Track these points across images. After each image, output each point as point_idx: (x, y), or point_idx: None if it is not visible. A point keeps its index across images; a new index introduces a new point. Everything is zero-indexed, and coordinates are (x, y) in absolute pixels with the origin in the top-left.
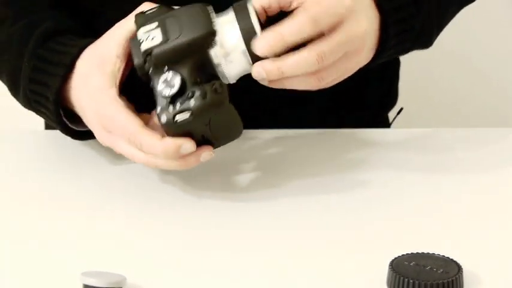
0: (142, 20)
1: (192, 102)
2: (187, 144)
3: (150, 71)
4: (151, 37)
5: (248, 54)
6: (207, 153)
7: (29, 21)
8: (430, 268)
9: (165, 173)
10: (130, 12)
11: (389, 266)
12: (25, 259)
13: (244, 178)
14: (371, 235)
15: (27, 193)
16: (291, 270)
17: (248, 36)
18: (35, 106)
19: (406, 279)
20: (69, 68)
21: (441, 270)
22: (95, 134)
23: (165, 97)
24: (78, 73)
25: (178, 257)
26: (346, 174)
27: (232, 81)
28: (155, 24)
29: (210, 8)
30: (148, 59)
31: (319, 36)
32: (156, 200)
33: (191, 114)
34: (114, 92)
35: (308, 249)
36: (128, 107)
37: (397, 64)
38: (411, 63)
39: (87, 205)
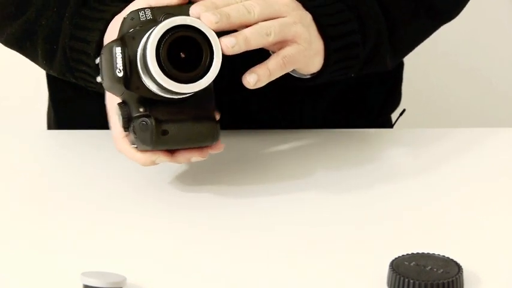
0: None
1: (131, 135)
2: (160, 158)
3: None
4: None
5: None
6: (195, 156)
7: None
8: (430, 268)
9: (165, 173)
10: None
11: (390, 266)
12: (25, 259)
13: (245, 178)
14: (371, 235)
15: (27, 193)
16: (291, 270)
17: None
18: (73, 65)
19: (407, 280)
20: (107, 22)
21: (441, 270)
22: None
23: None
24: (108, 32)
25: (178, 257)
26: (347, 174)
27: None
28: (98, 59)
29: (118, 49)
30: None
31: None
32: (156, 200)
33: (136, 145)
34: None
35: (308, 249)
36: None
37: (400, 65)
38: (414, 64)
39: (87, 205)
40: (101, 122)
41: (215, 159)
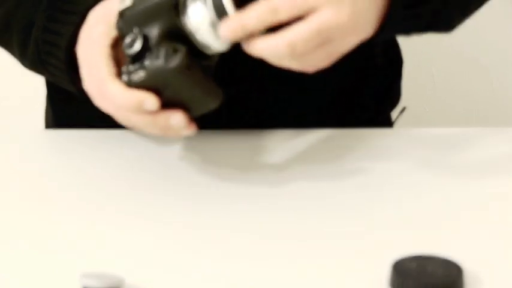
0: None
1: (146, 62)
2: (149, 100)
3: (124, 31)
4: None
5: (214, 31)
6: (177, 116)
7: None
8: (431, 270)
9: (164, 174)
10: None
11: (392, 267)
12: (24, 260)
13: (244, 178)
14: (373, 236)
15: (25, 193)
16: (292, 270)
17: (218, 12)
18: (44, 58)
19: (408, 281)
20: (83, 16)
21: (442, 272)
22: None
23: (128, 56)
24: (87, 24)
25: (177, 258)
26: (348, 174)
27: (210, 51)
28: None
29: None
30: (120, 19)
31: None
32: (155, 200)
33: (145, 73)
34: (107, 40)
35: (310, 250)
36: (113, 56)
37: (399, 62)
38: (414, 61)
39: (86, 206)
40: (100, 122)
41: (214, 159)
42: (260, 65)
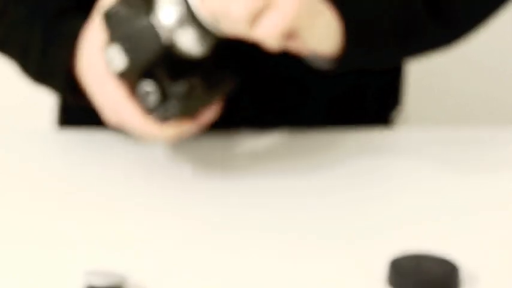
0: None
1: (170, 107)
2: (187, 130)
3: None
4: (115, 60)
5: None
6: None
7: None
8: (428, 268)
9: (166, 173)
10: None
11: (389, 265)
12: (27, 258)
13: (244, 178)
14: (371, 235)
15: (29, 192)
16: (290, 268)
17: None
18: (45, 81)
19: (405, 279)
20: (76, 39)
21: (439, 269)
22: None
23: (149, 107)
24: (86, 38)
25: (180, 256)
26: (347, 173)
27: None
28: (116, 46)
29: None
30: (121, 79)
31: None
32: (158, 199)
33: (175, 115)
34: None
35: (308, 248)
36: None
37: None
38: (414, 61)
39: (89, 204)
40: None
41: (214, 159)
42: (260, 65)
